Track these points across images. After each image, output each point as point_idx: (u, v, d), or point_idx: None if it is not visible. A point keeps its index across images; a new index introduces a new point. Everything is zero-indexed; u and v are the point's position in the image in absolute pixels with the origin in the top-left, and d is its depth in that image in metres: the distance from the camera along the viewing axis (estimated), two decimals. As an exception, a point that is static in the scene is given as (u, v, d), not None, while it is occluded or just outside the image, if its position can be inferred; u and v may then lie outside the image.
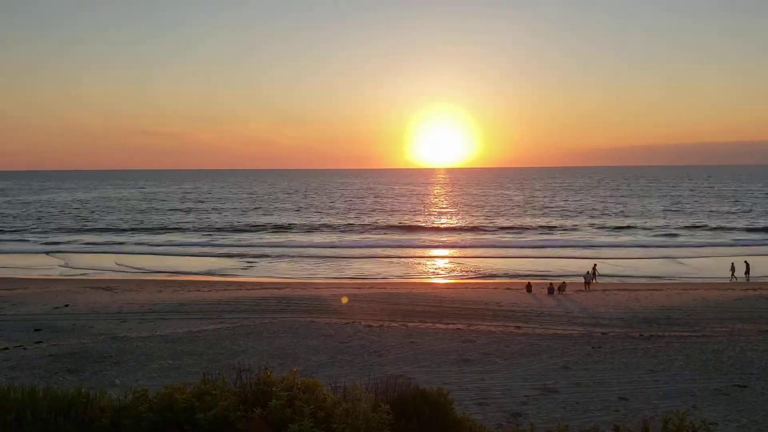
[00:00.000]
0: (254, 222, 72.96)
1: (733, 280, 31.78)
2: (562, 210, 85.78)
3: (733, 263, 33.39)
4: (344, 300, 21.12)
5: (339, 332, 18.84)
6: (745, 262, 33.57)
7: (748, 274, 32.74)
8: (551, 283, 28.47)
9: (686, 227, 62.81)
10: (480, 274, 38.21)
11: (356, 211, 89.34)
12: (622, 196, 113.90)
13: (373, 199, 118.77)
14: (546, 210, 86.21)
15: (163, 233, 63.56)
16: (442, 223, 71.50)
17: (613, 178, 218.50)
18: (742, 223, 66.48)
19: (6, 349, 17.27)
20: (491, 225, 68.01)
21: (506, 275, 36.93)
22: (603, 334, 19.19)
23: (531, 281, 29.95)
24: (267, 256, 46.43)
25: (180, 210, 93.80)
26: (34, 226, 70.78)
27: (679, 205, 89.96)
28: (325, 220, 76.14)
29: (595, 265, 28.46)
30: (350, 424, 5.05)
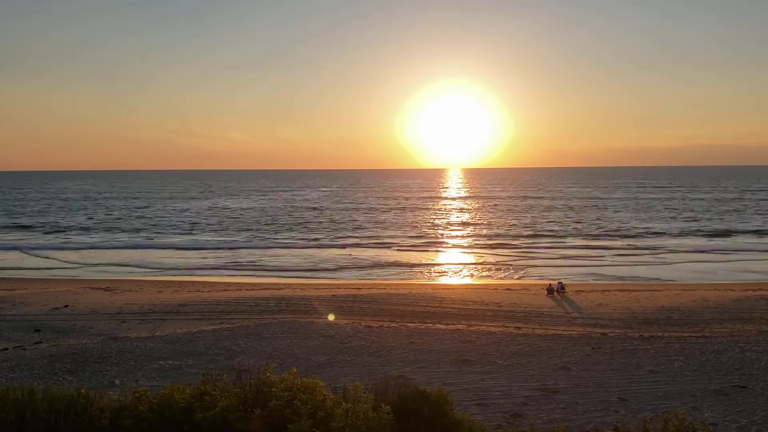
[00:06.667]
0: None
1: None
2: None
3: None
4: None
5: (339, 333, 18.84)
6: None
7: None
8: (550, 284, 28.49)
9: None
10: (480, 274, 38.23)
11: (357, 210, 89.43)
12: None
13: (377, 198, 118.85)
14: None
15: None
16: (453, 227, 71.57)
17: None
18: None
19: (5, 349, 17.26)
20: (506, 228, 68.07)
21: (507, 276, 36.95)
22: (602, 334, 19.19)
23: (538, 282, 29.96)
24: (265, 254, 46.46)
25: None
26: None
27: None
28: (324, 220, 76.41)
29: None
30: (350, 425, 5.05)
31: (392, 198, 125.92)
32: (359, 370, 14.75)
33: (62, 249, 50.82)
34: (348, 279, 36.27)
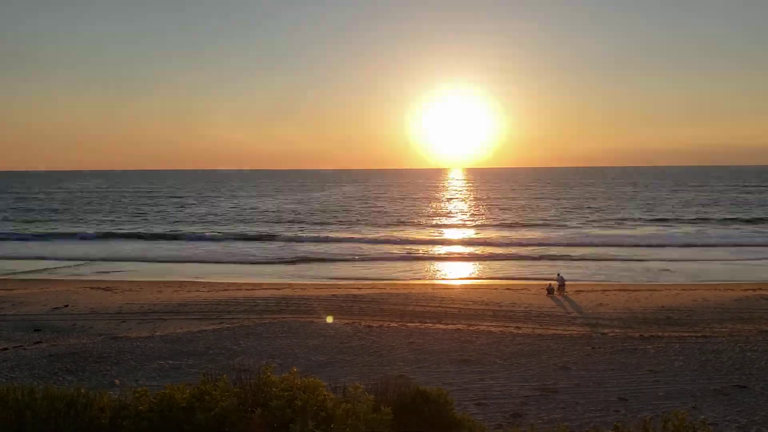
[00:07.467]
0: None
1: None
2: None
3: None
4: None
5: (339, 332, 18.84)
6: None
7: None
8: (550, 283, 28.47)
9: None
10: (480, 274, 38.22)
11: (356, 211, 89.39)
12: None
13: (377, 198, 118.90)
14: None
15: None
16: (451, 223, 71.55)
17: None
18: None
19: (5, 349, 17.27)
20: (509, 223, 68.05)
21: (506, 276, 36.92)
22: (602, 334, 19.19)
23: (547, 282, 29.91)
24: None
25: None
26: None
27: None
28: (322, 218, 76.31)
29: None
30: (351, 425, 5.05)
31: (396, 197, 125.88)
32: (359, 370, 14.75)
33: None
34: (348, 280, 36.23)
